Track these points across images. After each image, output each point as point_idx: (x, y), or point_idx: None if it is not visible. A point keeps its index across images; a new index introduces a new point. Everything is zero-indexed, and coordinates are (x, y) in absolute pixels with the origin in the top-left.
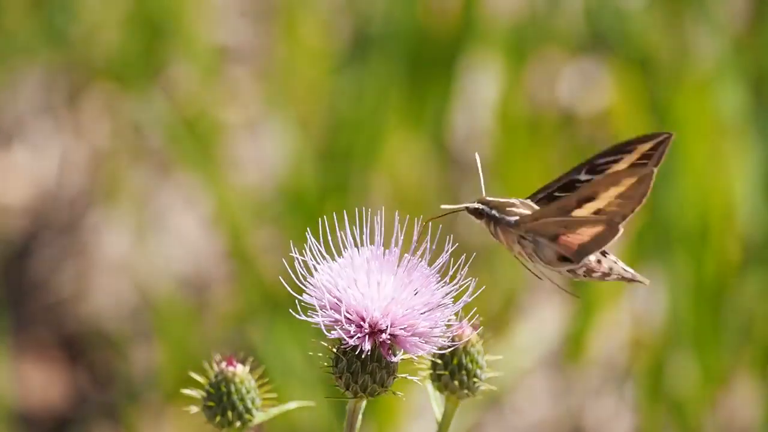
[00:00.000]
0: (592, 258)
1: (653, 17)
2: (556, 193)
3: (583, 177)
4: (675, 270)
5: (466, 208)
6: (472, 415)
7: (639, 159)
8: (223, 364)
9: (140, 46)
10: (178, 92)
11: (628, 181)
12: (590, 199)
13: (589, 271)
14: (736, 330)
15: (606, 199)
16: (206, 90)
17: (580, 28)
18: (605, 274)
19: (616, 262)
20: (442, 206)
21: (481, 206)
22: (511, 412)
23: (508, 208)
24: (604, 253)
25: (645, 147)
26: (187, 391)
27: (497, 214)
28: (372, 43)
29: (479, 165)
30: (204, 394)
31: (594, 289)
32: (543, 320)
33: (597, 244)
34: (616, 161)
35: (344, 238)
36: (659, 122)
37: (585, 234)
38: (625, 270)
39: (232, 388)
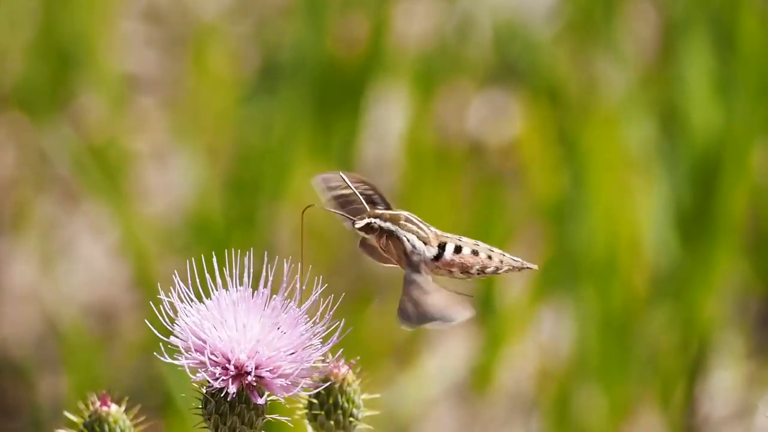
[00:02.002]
0: (482, 255)
1: (562, 49)
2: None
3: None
4: (582, 301)
5: (360, 227)
6: None
7: None
8: (97, 404)
9: (47, 74)
10: (86, 121)
11: None
12: None
13: (483, 269)
14: (642, 361)
15: None
16: (114, 119)
17: (489, 58)
18: (497, 269)
19: (503, 255)
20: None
21: (373, 220)
22: None
23: (401, 221)
24: (492, 249)
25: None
26: (60, 431)
27: (392, 227)
28: (280, 73)
29: (348, 182)
30: None
31: (501, 320)
32: (450, 351)
33: None
34: None
35: (218, 277)
36: (567, 154)
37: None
38: (514, 260)
39: (106, 428)
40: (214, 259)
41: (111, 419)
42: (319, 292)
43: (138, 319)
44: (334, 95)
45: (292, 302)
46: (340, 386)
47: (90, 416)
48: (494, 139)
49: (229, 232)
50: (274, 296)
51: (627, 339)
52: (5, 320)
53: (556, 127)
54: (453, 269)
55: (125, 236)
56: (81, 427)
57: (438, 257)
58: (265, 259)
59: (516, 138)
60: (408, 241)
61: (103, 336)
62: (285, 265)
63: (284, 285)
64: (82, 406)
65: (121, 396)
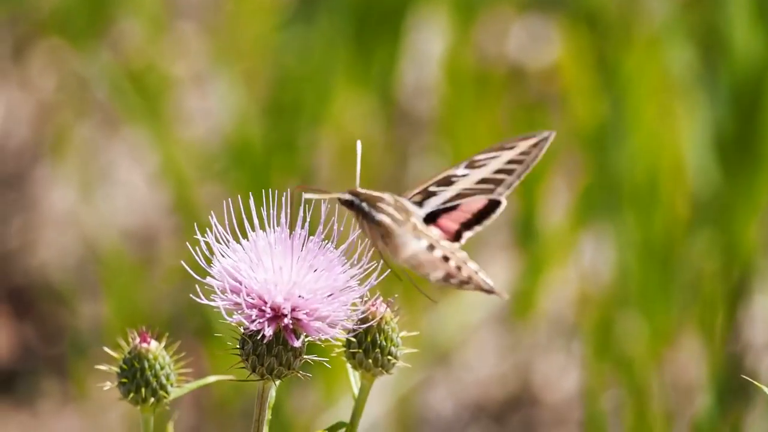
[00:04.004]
0: (452, 264)
1: None
2: (432, 188)
3: (460, 172)
4: (623, 227)
5: (338, 198)
6: (422, 372)
7: (519, 155)
8: (137, 340)
9: None
10: (125, 46)
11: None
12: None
13: (448, 277)
14: (683, 287)
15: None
16: (153, 44)
17: None
18: (463, 282)
19: (477, 273)
20: (306, 195)
21: (351, 197)
22: (459, 367)
23: (378, 203)
24: (466, 263)
25: (526, 144)
26: (100, 367)
27: (366, 208)
28: None
29: (359, 153)
30: (118, 370)
31: (543, 246)
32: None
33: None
34: (495, 157)
35: (254, 218)
36: (608, 79)
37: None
38: (484, 282)
39: (146, 365)
40: (251, 198)
41: (150, 356)
42: (357, 234)
43: (177, 244)
44: (373, 20)
45: (330, 243)
46: (378, 325)
47: (129, 353)
48: (534, 64)
49: (268, 157)
50: (311, 238)
51: (668, 265)
52: (45, 245)
53: (596, 52)
54: (418, 267)
55: (164, 161)
56: (121, 363)
57: None
58: (303, 199)
59: (556, 63)
60: (383, 221)
61: (142, 261)
62: (323, 205)
63: (321, 227)
64: (121, 341)
65: (161, 329)
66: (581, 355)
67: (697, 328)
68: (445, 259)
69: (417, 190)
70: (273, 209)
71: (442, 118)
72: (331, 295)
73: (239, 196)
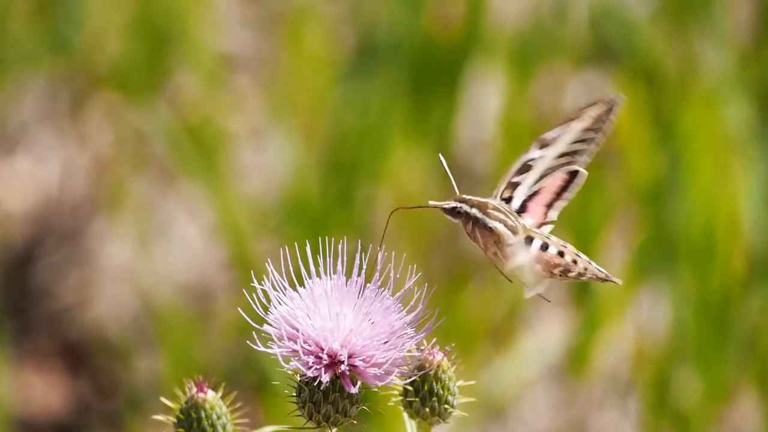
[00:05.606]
0: (568, 258)
1: (659, 29)
2: (514, 179)
3: (536, 155)
4: (680, 283)
5: (443, 208)
6: (476, 426)
7: (595, 123)
8: (194, 390)
9: (144, 54)
10: (182, 101)
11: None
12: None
13: (565, 272)
14: (740, 344)
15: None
16: (210, 99)
17: (586, 38)
18: (580, 274)
19: (590, 263)
20: (430, 203)
21: (459, 205)
22: (514, 422)
23: (489, 210)
24: (579, 255)
25: (596, 111)
26: (157, 417)
27: (478, 214)
28: (376, 52)
29: (445, 165)
30: (174, 420)
31: (598, 301)
32: (547, 331)
33: None
34: (566, 131)
35: (311, 265)
36: (665, 135)
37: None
38: (598, 270)
39: (202, 414)
40: (308, 246)
41: (207, 406)
42: (413, 281)
43: (234, 299)
44: (430, 75)
45: (386, 290)
46: (435, 373)
47: (186, 402)
48: None
49: (325, 213)
50: (368, 284)
51: (725, 321)
52: (102, 299)
53: (653, 107)
54: (536, 266)
55: (221, 216)
56: (177, 413)
57: None
58: (359, 247)
59: None
60: (497, 229)
61: (199, 316)
62: (379, 252)
63: (377, 274)
64: (178, 391)
65: (217, 380)
66: (637, 411)
67: (755, 384)
68: (561, 254)
69: (503, 187)
70: (329, 257)
71: (499, 173)
72: (387, 341)
73: (296, 245)
